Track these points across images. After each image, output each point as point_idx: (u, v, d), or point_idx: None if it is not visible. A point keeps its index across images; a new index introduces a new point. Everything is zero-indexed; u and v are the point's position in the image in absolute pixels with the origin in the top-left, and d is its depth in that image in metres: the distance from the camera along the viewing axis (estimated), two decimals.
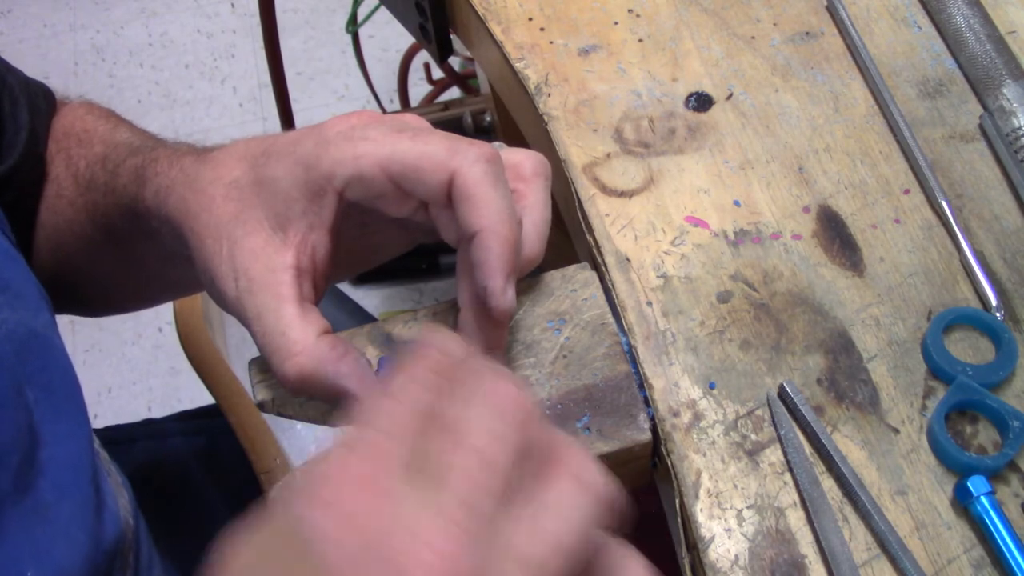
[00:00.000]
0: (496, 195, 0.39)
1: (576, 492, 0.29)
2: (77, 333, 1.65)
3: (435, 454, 0.29)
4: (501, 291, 0.39)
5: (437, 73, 1.53)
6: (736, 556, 0.41)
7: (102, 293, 0.62)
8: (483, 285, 0.39)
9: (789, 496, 0.43)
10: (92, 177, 0.52)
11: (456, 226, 0.40)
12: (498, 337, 0.42)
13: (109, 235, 0.53)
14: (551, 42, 0.58)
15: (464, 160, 0.39)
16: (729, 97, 0.56)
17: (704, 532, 0.42)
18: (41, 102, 0.55)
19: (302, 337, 0.39)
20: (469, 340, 0.42)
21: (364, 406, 0.30)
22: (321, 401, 0.43)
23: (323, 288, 0.43)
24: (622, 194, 0.52)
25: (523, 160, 0.44)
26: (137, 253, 0.53)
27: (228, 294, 0.41)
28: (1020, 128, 0.51)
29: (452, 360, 0.31)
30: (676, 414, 0.45)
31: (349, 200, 0.41)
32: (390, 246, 0.48)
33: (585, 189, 0.52)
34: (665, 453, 0.44)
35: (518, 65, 0.57)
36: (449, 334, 0.33)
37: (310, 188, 0.40)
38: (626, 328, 0.47)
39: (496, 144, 0.45)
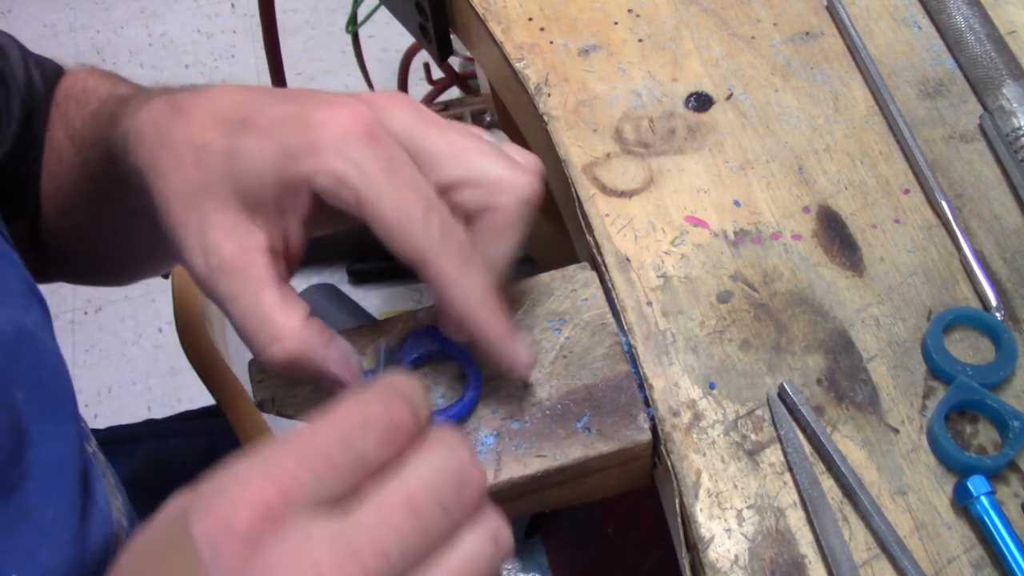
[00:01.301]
0: (467, 280, 0.39)
1: (490, 548, 0.30)
2: (77, 333, 1.65)
3: (368, 496, 0.29)
4: (512, 355, 0.41)
5: (437, 73, 1.53)
6: (736, 556, 0.41)
7: (117, 257, 0.61)
8: (494, 354, 0.41)
9: (789, 496, 0.43)
10: (85, 135, 0.51)
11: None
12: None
13: (105, 191, 0.52)
14: (551, 42, 0.58)
15: (434, 249, 0.38)
16: (729, 97, 0.56)
17: (704, 532, 0.42)
18: (38, 84, 0.55)
19: (287, 322, 0.39)
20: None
21: (300, 430, 0.30)
22: (314, 392, 0.43)
23: (294, 271, 0.42)
24: (622, 194, 0.52)
25: (505, 182, 0.42)
26: (130, 203, 0.51)
27: (197, 269, 0.40)
28: (1020, 128, 0.51)
29: (410, 414, 0.31)
30: (676, 414, 0.45)
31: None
32: None
33: (585, 189, 0.52)
34: (665, 453, 0.44)
35: (518, 65, 0.57)
36: (416, 386, 0.32)
37: (286, 179, 0.39)
38: (626, 328, 0.47)
39: (495, 132, 0.45)
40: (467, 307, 0.40)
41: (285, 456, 0.28)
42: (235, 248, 0.39)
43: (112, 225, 0.56)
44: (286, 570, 0.26)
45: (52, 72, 0.57)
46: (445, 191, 0.41)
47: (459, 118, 1.43)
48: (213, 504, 0.27)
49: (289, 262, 0.42)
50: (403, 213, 0.38)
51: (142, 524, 0.51)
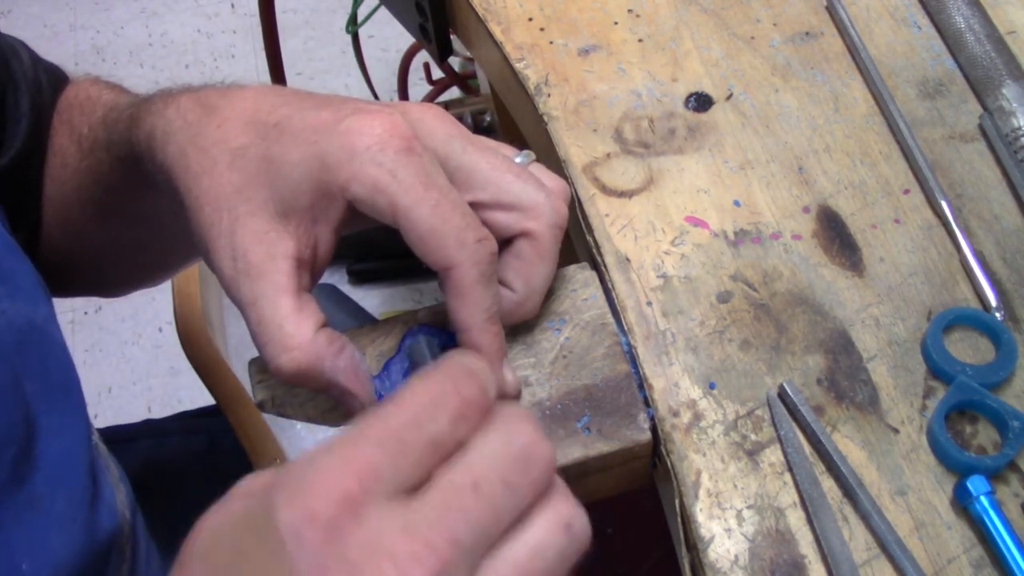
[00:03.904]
0: (486, 295, 0.40)
1: (561, 537, 0.30)
2: (77, 333, 1.65)
3: (436, 481, 0.29)
4: (501, 381, 0.42)
5: (437, 73, 1.53)
6: (736, 556, 0.41)
7: (118, 265, 0.61)
8: None
9: (789, 496, 0.43)
10: (95, 139, 0.51)
11: (447, 307, 0.41)
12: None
13: (114, 195, 0.52)
14: (551, 42, 0.58)
15: (467, 258, 0.39)
16: (729, 97, 0.56)
17: (704, 532, 0.42)
18: (45, 87, 0.55)
19: (299, 332, 0.39)
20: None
21: (373, 410, 0.30)
22: (314, 392, 0.43)
23: (319, 278, 0.43)
24: (622, 194, 0.52)
25: (541, 208, 0.42)
26: (143, 209, 0.52)
27: (223, 271, 0.40)
28: (1020, 128, 0.51)
29: (479, 388, 0.31)
30: (676, 414, 0.45)
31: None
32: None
33: (585, 189, 0.52)
34: (665, 453, 0.44)
35: (518, 65, 0.57)
36: (481, 362, 0.32)
37: (321, 187, 0.39)
38: (626, 328, 0.47)
39: (525, 153, 0.45)
40: (470, 323, 0.40)
41: (362, 443, 0.29)
42: (262, 253, 0.39)
43: (116, 231, 0.56)
44: (365, 561, 0.27)
45: (58, 80, 0.57)
46: (477, 209, 0.42)
47: (459, 118, 1.42)
48: (298, 494, 0.27)
49: (315, 271, 0.42)
50: (439, 222, 0.38)
51: (144, 518, 0.51)
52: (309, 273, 0.41)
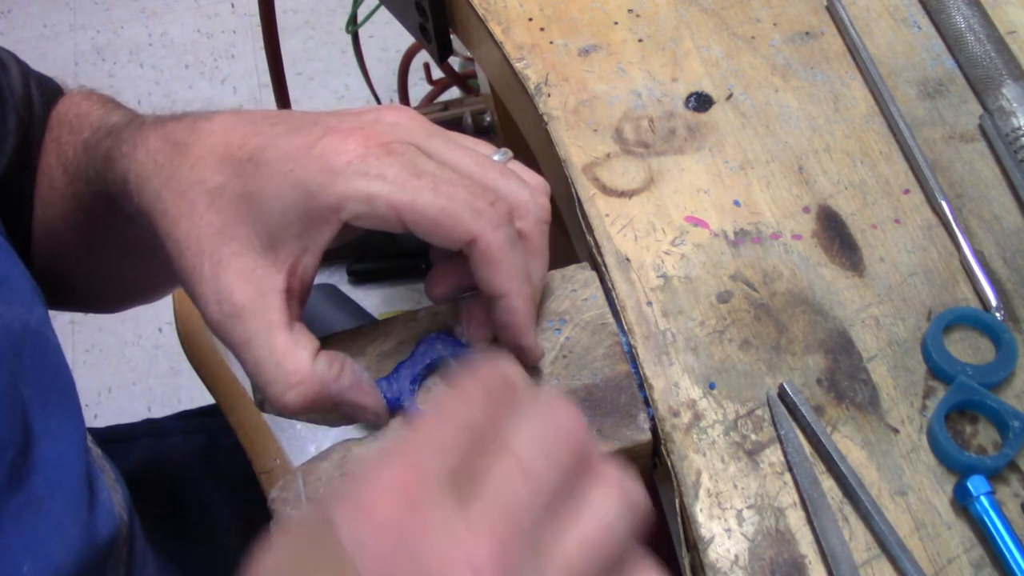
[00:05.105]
0: (517, 258, 0.40)
1: (615, 500, 0.30)
2: (77, 333, 1.65)
3: (481, 468, 0.29)
4: (534, 345, 0.42)
5: (437, 73, 1.53)
6: (736, 556, 0.41)
7: (111, 286, 0.61)
8: (517, 344, 0.42)
9: (789, 496, 0.43)
10: (78, 165, 0.51)
11: (476, 280, 0.40)
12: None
13: (99, 223, 0.51)
14: (551, 42, 0.58)
15: (487, 225, 0.38)
16: (729, 97, 0.56)
17: (704, 532, 0.42)
18: (36, 102, 0.55)
19: (298, 366, 0.39)
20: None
21: (415, 421, 0.30)
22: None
23: (305, 303, 0.42)
24: (622, 194, 0.52)
25: (528, 205, 0.42)
26: (129, 238, 0.51)
27: (209, 316, 0.39)
28: (1020, 128, 0.51)
29: (502, 379, 0.31)
30: (676, 414, 0.45)
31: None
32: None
33: (585, 189, 0.52)
34: (665, 453, 0.44)
35: (518, 65, 0.57)
36: (510, 361, 0.33)
37: (311, 215, 0.38)
38: (626, 328, 0.47)
39: (503, 151, 0.45)
40: (508, 287, 0.40)
41: (404, 449, 0.29)
42: (251, 292, 0.39)
43: (102, 256, 0.56)
44: (436, 557, 0.26)
45: (52, 93, 0.56)
46: None
47: (459, 118, 1.43)
48: (354, 503, 0.27)
49: (302, 298, 0.41)
50: (445, 201, 0.38)
51: (143, 518, 0.51)
52: (298, 301, 0.41)
